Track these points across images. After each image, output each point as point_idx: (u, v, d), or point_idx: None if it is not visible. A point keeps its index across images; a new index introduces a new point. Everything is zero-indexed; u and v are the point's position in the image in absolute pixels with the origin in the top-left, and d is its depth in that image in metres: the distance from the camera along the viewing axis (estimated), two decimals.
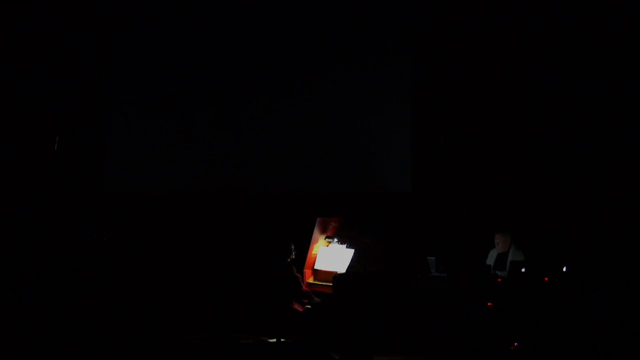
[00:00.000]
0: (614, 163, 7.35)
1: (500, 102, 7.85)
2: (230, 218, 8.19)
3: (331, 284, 6.55)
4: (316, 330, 6.45)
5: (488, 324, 5.92)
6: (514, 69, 7.77)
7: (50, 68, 8.59)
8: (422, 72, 8.13)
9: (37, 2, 8.59)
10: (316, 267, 7.04)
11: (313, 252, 7.01)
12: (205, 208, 8.31)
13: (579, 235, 7.19)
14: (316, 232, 6.97)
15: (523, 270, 6.12)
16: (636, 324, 6.00)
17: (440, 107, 8.06)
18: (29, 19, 8.60)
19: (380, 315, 6.28)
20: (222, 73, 8.52)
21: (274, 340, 6.65)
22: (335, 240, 7.05)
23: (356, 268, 6.64)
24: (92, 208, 8.46)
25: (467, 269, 6.39)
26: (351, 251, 6.78)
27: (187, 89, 8.57)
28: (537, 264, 6.24)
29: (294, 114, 8.36)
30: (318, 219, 6.98)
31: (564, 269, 6.12)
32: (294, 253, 6.75)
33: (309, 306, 6.66)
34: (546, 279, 6.01)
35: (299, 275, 6.67)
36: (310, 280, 7.00)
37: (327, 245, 7.08)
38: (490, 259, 6.89)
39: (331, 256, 6.97)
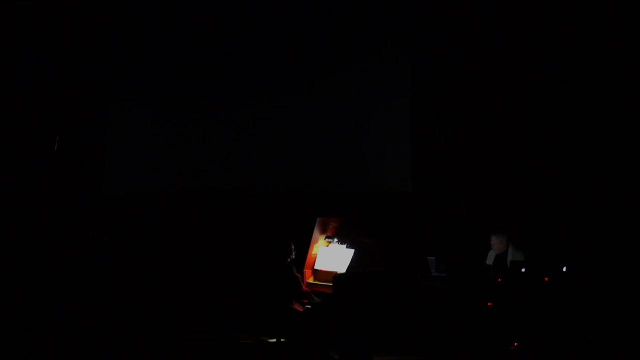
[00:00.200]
0: (614, 163, 7.35)
1: (500, 102, 7.84)
2: (230, 218, 8.19)
3: (331, 284, 6.55)
4: (316, 330, 6.45)
5: (488, 324, 5.92)
6: (514, 69, 7.77)
7: (50, 68, 8.59)
8: (422, 72, 8.12)
9: (37, 2, 8.59)
10: (316, 267, 7.05)
11: (313, 252, 7.01)
12: (205, 208, 8.31)
13: (579, 235, 7.19)
14: (316, 232, 6.97)
15: (523, 270, 6.11)
16: (636, 324, 6.00)
17: (440, 107, 8.05)
18: (28, 19, 8.60)
19: (380, 315, 6.28)
20: (222, 73, 8.52)
21: (274, 340, 6.65)
22: (335, 240, 7.05)
23: (356, 268, 6.64)
24: (92, 208, 8.46)
25: (467, 269, 6.38)
26: (351, 251, 6.79)
27: (186, 90, 8.57)
28: (537, 264, 6.24)
29: (294, 114, 8.36)
30: (318, 219, 6.98)
31: (564, 269, 6.11)
32: (294, 253, 6.76)
33: (309, 306, 6.66)
34: (546, 279, 6.01)
35: (299, 275, 6.68)
36: (310, 280, 7.01)
37: (327, 245, 7.09)
38: (489, 260, 6.88)
39: (331, 256, 6.97)
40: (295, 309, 6.53)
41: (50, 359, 6.21)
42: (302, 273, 6.86)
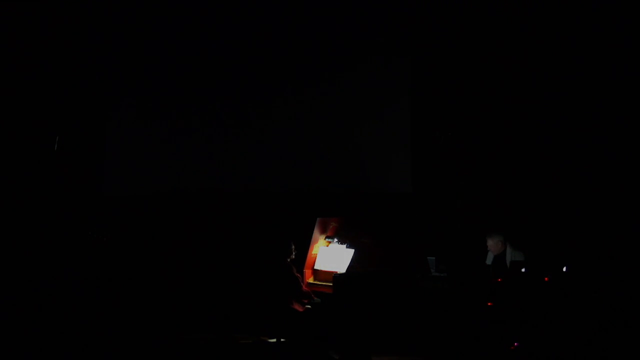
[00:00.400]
0: (614, 163, 7.35)
1: (500, 102, 7.84)
2: (230, 218, 8.18)
3: (331, 284, 6.55)
4: (316, 330, 6.45)
5: (488, 324, 5.92)
6: (513, 69, 7.77)
7: (50, 68, 8.59)
8: (422, 72, 8.12)
9: (37, 2, 8.58)
10: (316, 267, 7.05)
11: (313, 252, 7.01)
12: (205, 208, 8.31)
13: (579, 235, 7.18)
14: (316, 232, 6.97)
15: (523, 270, 6.11)
16: (636, 324, 6.00)
17: (440, 107, 8.05)
18: (28, 19, 8.59)
19: (380, 315, 6.27)
20: (222, 73, 8.52)
21: (274, 340, 6.65)
22: (335, 240, 7.05)
23: (356, 268, 6.64)
24: (92, 208, 8.46)
25: (467, 269, 6.38)
26: (351, 251, 6.79)
27: (186, 90, 8.57)
28: (537, 264, 6.24)
29: (294, 114, 8.36)
30: (318, 219, 6.98)
31: (564, 269, 6.11)
32: (294, 253, 6.75)
33: (309, 306, 6.66)
34: (546, 279, 6.00)
35: (298, 275, 6.67)
36: (310, 280, 7.00)
37: (327, 245, 7.08)
38: (489, 260, 6.88)
39: (331, 256, 6.97)
40: (295, 309, 6.53)
41: (50, 359, 6.20)
42: (302, 273, 6.86)
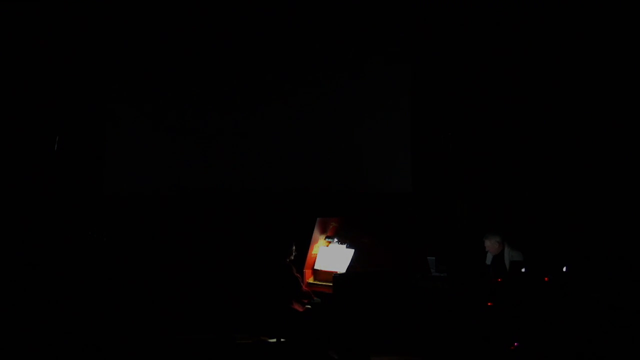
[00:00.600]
0: (614, 163, 7.35)
1: (500, 102, 7.84)
2: (230, 218, 8.18)
3: (331, 284, 6.55)
4: (316, 330, 6.45)
5: (488, 324, 5.92)
6: (513, 70, 7.77)
7: (50, 68, 8.59)
8: (422, 72, 8.13)
9: (37, 2, 8.58)
10: (316, 267, 7.04)
11: (313, 252, 7.01)
12: (205, 208, 8.31)
13: (579, 235, 7.19)
14: (316, 232, 6.97)
15: (523, 270, 6.11)
16: (636, 324, 6.00)
17: (440, 107, 8.06)
18: (28, 19, 8.59)
19: (380, 315, 6.27)
20: (222, 73, 8.51)
21: (274, 340, 6.65)
22: (335, 240, 7.05)
23: (356, 268, 6.64)
24: (92, 208, 8.46)
25: (467, 269, 6.38)
26: (351, 251, 6.78)
27: (186, 89, 8.57)
28: (537, 264, 6.24)
29: (294, 113, 8.36)
30: (318, 219, 6.98)
31: (564, 269, 6.11)
32: (294, 254, 6.75)
33: (309, 306, 6.66)
34: (546, 279, 6.00)
35: (298, 275, 6.67)
36: (310, 280, 7.00)
37: (327, 245, 7.08)
38: (489, 260, 6.88)
39: (331, 256, 6.97)
40: (295, 309, 6.52)
41: (50, 359, 6.20)
42: (302, 273, 6.86)
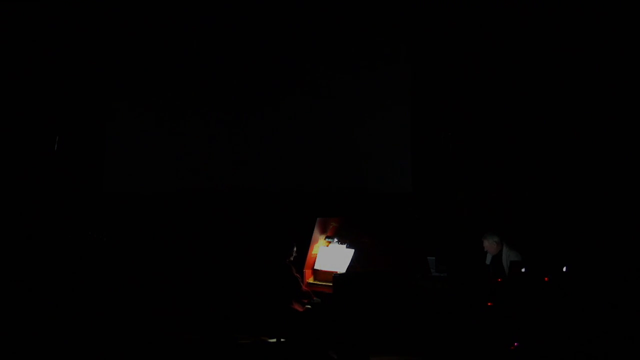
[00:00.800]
0: (614, 163, 7.35)
1: (500, 102, 7.84)
2: (230, 218, 8.18)
3: (331, 284, 6.55)
4: (316, 330, 6.45)
5: (488, 324, 5.92)
6: (513, 69, 7.77)
7: (50, 68, 8.59)
8: (422, 72, 8.13)
9: (37, 2, 8.58)
10: (316, 267, 7.04)
11: (313, 252, 7.01)
12: (205, 208, 8.31)
13: (579, 235, 7.19)
14: (316, 232, 6.96)
15: (523, 270, 6.11)
16: (636, 324, 6.00)
17: (440, 107, 8.05)
18: (28, 19, 8.60)
19: (380, 315, 6.27)
20: (222, 73, 8.52)
21: (274, 340, 6.65)
22: (335, 240, 7.05)
23: (356, 268, 6.64)
24: (92, 207, 8.46)
25: (467, 269, 6.38)
26: (351, 251, 6.78)
27: (186, 89, 8.57)
28: (537, 264, 6.24)
29: (294, 113, 8.36)
30: (318, 219, 6.97)
31: (564, 269, 6.11)
32: (294, 254, 6.75)
33: (309, 306, 6.66)
34: (546, 279, 6.00)
35: (298, 275, 6.67)
36: (310, 280, 7.00)
37: (327, 245, 7.08)
38: (489, 260, 6.88)
39: (331, 256, 6.96)
40: (295, 309, 6.52)
41: (50, 359, 6.20)
42: (302, 273, 6.86)
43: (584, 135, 7.51)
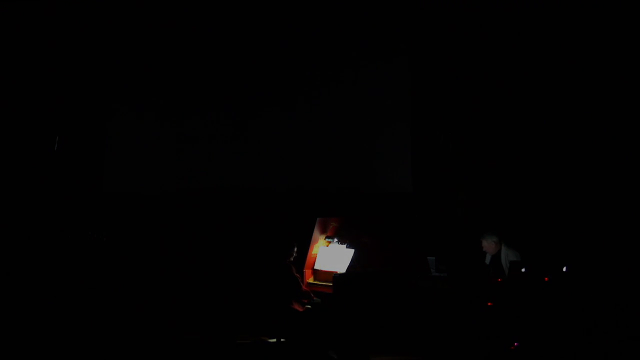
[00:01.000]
0: (614, 163, 7.35)
1: (500, 102, 7.84)
2: (231, 218, 8.18)
3: (331, 284, 6.55)
4: (316, 330, 6.45)
5: (488, 324, 5.92)
6: (513, 69, 7.77)
7: (50, 68, 8.59)
8: (422, 72, 8.13)
9: (37, 2, 8.58)
10: (316, 267, 7.04)
11: (313, 252, 7.01)
12: (205, 207, 8.31)
13: (579, 235, 7.19)
14: (316, 232, 6.97)
15: (523, 270, 6.11)
16: (636, 324, 6.00)
17: (440, 107, 8.06)
18: (29, 19, 8.59)
19: (380, 315, 6.27)
20: (222, 73, 8.52)
21: (274, 340, 6.65)
22: (335, 240, 7.05)
23: (356, 268, 6.64)
24: (92, 207, 8.46)
25: (467, 269, 6.38)
26: (351, 251, 6.78)
27: (187, 89, 8.57)
28: (537, 264, 6.24)
29: (294, 113, 8.36)
30: (318, 219, 6.98)
31: (564, 269, 6.11)
32: (295, 254, 6.75)
33: (309, 306, 6.66)
34: (546, 279, 6.00)
35: (298, 275, 6.67)
36: (310, 280, 7.00)
37: (327, 245, 7.08)
38: (488, 260, 6.88)
39: (331, 256, 6.96)
40: (295, 309, 6.52)
41: (50, 359, 6.20)
42: (302, 273, 6.86)
43: (583, 135, 7.50)
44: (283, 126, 8.36)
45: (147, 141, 8.58)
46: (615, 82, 7.40)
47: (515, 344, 5.85)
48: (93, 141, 8.67)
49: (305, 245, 6.91)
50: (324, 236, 7.11)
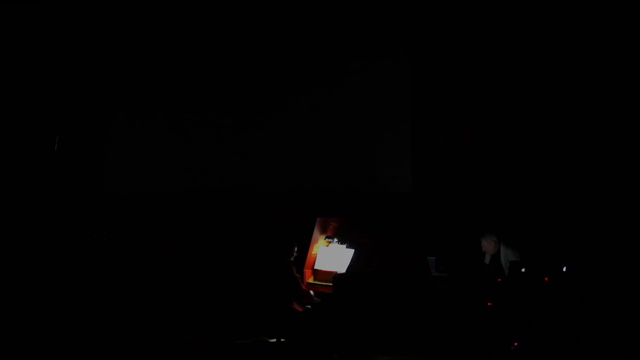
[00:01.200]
0: (614, 163, 7.35)
1: (500, 102, 7.84)
2: (231, 218, 8.18)
3: (331, 284, 6.55)
4: (316, 330, 6.45)
5: (488, 324, 5.92)
6: (513, 69, 7.77)
7: (51, 68, 8.59)
8: (422, 72, 8.13)
9: (37, 2, 8.58)
10: (316, 267, 7.04)
11: (313, 252, 7.01)
12: (205, 208, 8.31)
13: (579, 235, 7.19)
14: (316, 232, 6.97)
15: (523, 270, 6.11)
16: (636, 324, 6.00)
17: (440, 107, 8.05)
18: (29, 19, 8.59)
19: (381, 315, 6.27)
20: (223, 73, 8.52)
21: (274, 340, 6.65)
22: (335, 240, 7.05)
23: (356, 268, 6.64)
24: (92, 207, 8.46)
25: (467, 269, 6.38)
26: (351, 251, 6.78)
27: (187, 89, 8.57)
28: (537, 264, 6.24)
29: (294, 114, 8.36)
30: (318, 219, 6.98)
31: (564, 269, 6.11)
32: (295, 254, 6.74)
33: (309, 306, 6.66)
34: (546, 279, 6.01)
35: (298, 275, 6.67)
36: (310, 280, 7.00)
37: (327, 245, 7.08)
38: (487, 260, 6.88)
39: (331, 256, 6.97)
40: (295, 309, 6.52)
41: (50, 359, 6.20)
42: (302, 273, 6.86)
43: (583, 135, 7.50)
44: (283, 126, 8.36)
45: (147, 141, 8.58)
46: (616, 82, 7.40)
47: (515, 344, 5.86)
48: (93, 141, 8.67)
49: (305, 245, 6.91)
50: (324, 236, 7.11)
